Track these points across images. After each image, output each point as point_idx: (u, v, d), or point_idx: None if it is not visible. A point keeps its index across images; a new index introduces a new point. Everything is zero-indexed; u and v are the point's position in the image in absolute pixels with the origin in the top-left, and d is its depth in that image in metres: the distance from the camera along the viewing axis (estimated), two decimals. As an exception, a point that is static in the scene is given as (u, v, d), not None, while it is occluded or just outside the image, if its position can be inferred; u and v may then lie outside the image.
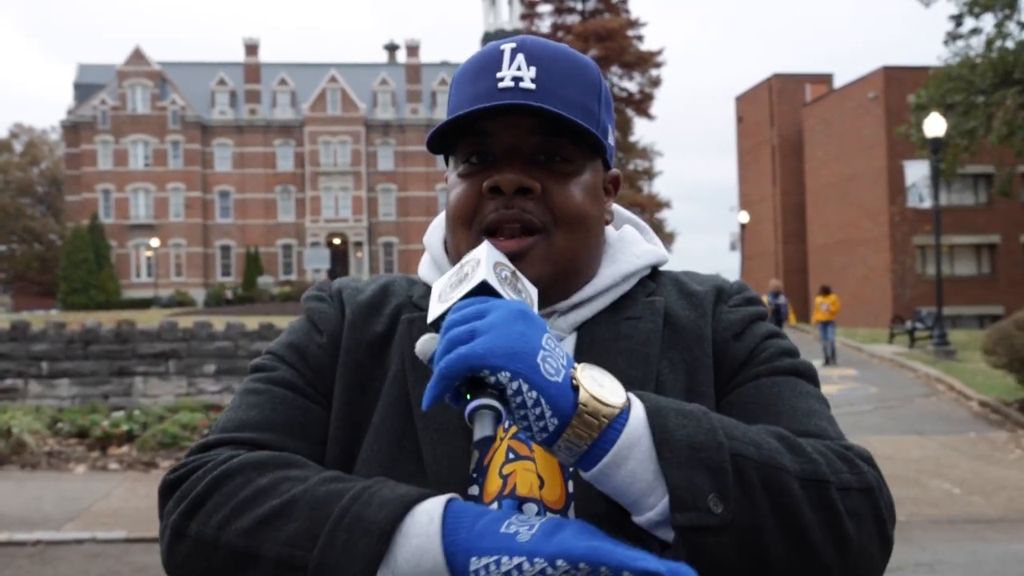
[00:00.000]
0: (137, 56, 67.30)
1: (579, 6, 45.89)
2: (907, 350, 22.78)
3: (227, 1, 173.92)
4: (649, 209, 45.16)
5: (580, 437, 0.87)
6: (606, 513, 0.94)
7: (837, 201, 40.23)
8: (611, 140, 1.16)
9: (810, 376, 1.13)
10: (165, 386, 14.64)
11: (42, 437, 11.04)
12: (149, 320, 20.61)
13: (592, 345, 1.10)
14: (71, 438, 11.38)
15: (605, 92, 1.15)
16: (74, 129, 67.06)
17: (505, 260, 0.99)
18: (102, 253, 57.84)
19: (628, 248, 1.20)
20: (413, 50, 71.64)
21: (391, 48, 75.90)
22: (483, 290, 0.93)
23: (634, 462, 0.88)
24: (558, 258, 1.08)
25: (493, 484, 1.02)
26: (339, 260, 63.93)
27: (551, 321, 1.11)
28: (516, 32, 52.26)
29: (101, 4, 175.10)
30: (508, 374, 0.85)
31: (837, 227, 40.36)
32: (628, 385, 0.95)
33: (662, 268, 1.25)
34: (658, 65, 45.52)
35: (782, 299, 21.59)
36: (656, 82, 45.83)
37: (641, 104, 45.64)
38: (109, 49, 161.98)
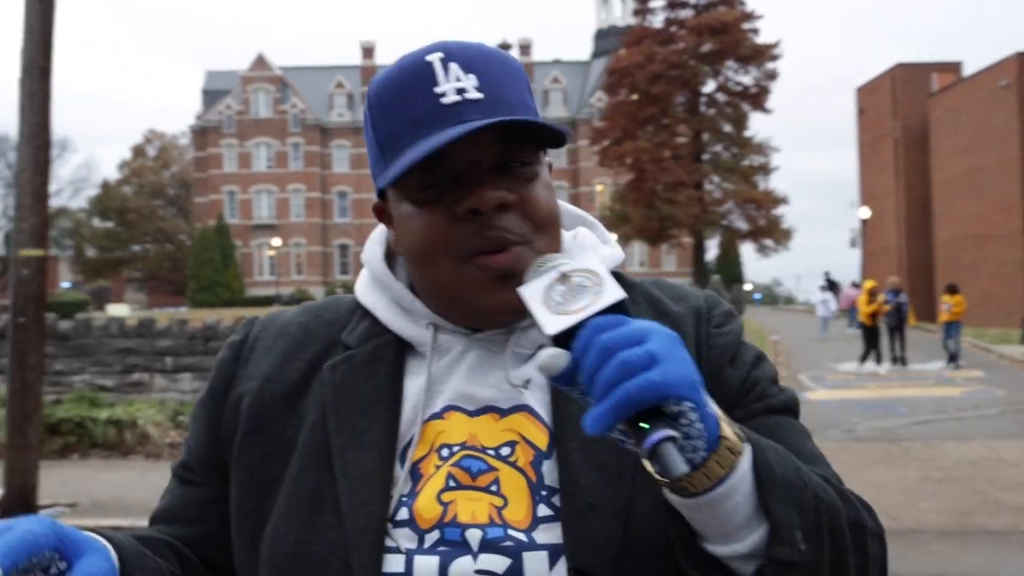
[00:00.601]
0: (260, 62, 69.77)
1: (692, 0, 45.16)
2: (1040, 351, 21.67)
3: (344, 6, 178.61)
4: (765, 206, 44.03)
5: (714, 472, 0.86)
6: (599, 546, 0.96)
7: (966, 195, 38.43)
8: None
9: (797, 410, 1.13)
10: (281, 381, 15.12)
11: (164, 429, 11.58)
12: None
13: None
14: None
15: (528, 81, 1.09)
16: (202, 133, 70.06)
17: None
18: (227, 252, 60.23)
19: (586, 254, 1.09)
20: (526, 48, 72.00)
21: (504, 47, 76.34)
22: (615, 308, 0.87)
23: (740, 495, 0.88)
24: None
25: (431, 511, 0.99)
26: (453, 258, 64.80)
27: (513, 339, 1.06)
28: (629, 28, 51.85)
29: (227, 13, 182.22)
30: (692, 404, 0.82)
31: (966, 222, 38.55)
32: None
33: (627, 275, 1.19)
34: (774, 58, 44.34)
35: (903, 297, 20.55)
36: (772, 75, 44.65)
37: (757, 98, 44.52)
38: (234, 56, 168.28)
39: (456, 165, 1.00)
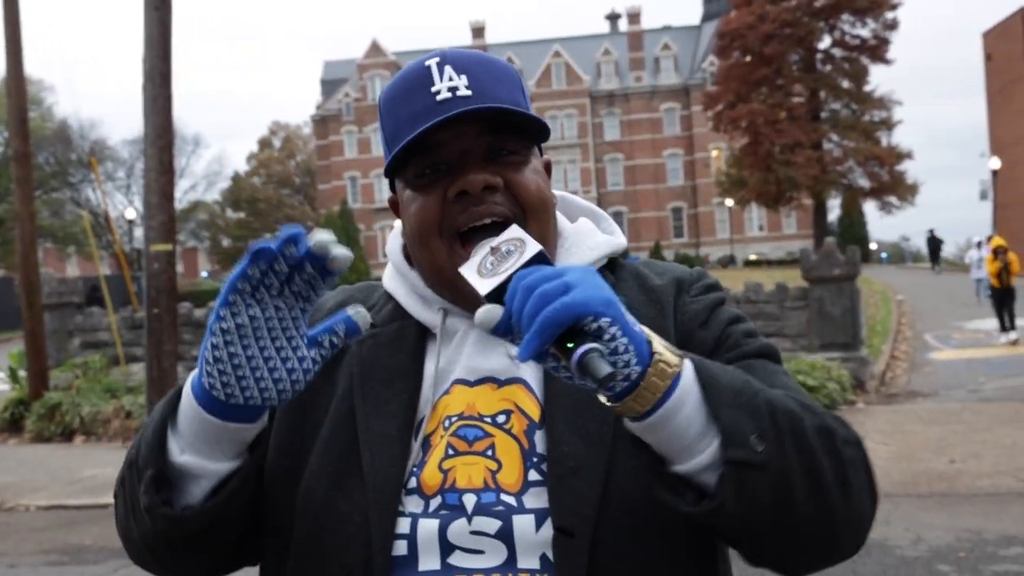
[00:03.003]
0: (374, 49, 71.15)
1: (804, -46, 43.70)
2: None
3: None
4: (888, 162, 42.45)
5: (655, 386, 0.93)
6: (579, 506, 1.05)
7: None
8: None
9: (775, 356, 1.20)
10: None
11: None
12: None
13: None
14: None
15: (524, 86, 1.21)
16: (323, 122, 72.02)
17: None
18: (352, 236, 61.83)
19: (583, 241, 1.24)
20: (634, 17, 71.04)
21: (612, 18, 75.61)
22: (536, 260, 0.98)
23: (689, 408, 0.95)
24: None
25: (433, 478, 1.09)
26: (570, 232, 64.76)
27: None
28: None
29: (344, 5, 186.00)
30: (609, 319, 0.90)
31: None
32: None
33: (619, 259, 1.28)
34: (894, 7, 42.62)
35: None
36: (892, 25, 42.92)
37: (876, 50, 42.90)
38: (350, 45, 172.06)
39: (448, 154, 1.13)
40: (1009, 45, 44.09)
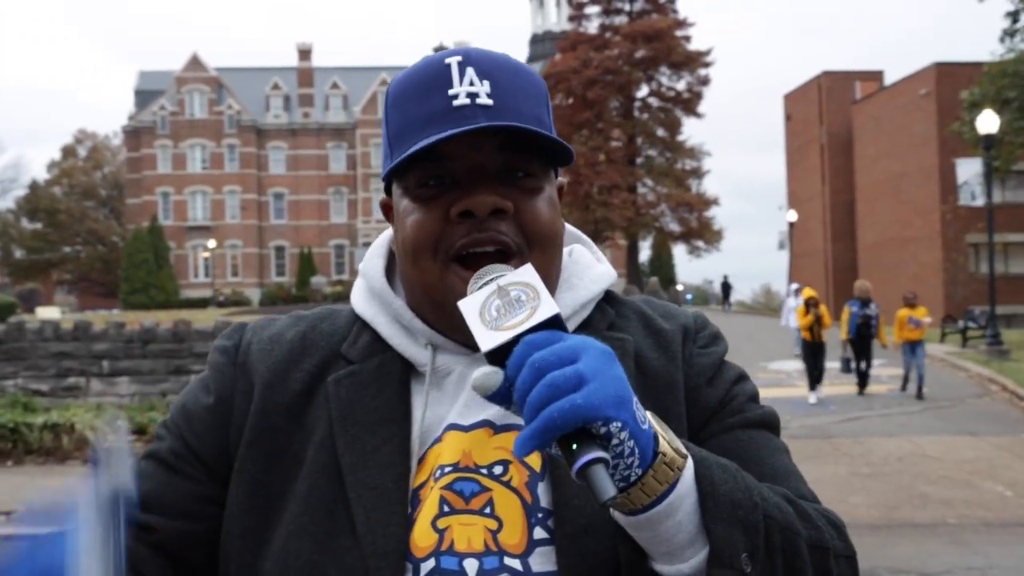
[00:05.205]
0: (195, 63, 68.65)
1: (627, 7, 45.72)
2: (959, 350, 22.45)
3: (282, 8, 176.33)
4: (697, 208, 44.88)
5: (652, 488, 0.85)
6: (598, 564, 0.95)
7: (888, 199, 39.73)
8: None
9: (776, 427, 1.13)
10: (220, 385, 15.03)
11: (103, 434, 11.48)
12: (206, 320, 21.17)
13: None
14: (130, 435, 11.83)
15: (548, 97, 1.10)
16: (135, 134, 68.65)
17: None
18: (161, 254, 59.17)
19: (584, 272, 1.14)
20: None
21: (439, 50, 76.41)
22: (551, 323, 0.87)
23: (682, 513, 0.87)
24: None
25: (426, 539, 0.97)
26: (390, 261, 64.49)
27: None
28: (564, 34, 52.28)
29: (161, 13, 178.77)
30: (619, 424, 0.81)
31: (888, 225, 39.85)
32: None
33: (618, 293, 1.20)
34: (707, 64, 45.18)
35: (873, 308, 15.48)
36: (705, 81, 45.47)
37: (689, 103, 45.30)
38: (168, 56, 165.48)
39: (458, 168, 1.00)
40: (806, 108, 47.79)
